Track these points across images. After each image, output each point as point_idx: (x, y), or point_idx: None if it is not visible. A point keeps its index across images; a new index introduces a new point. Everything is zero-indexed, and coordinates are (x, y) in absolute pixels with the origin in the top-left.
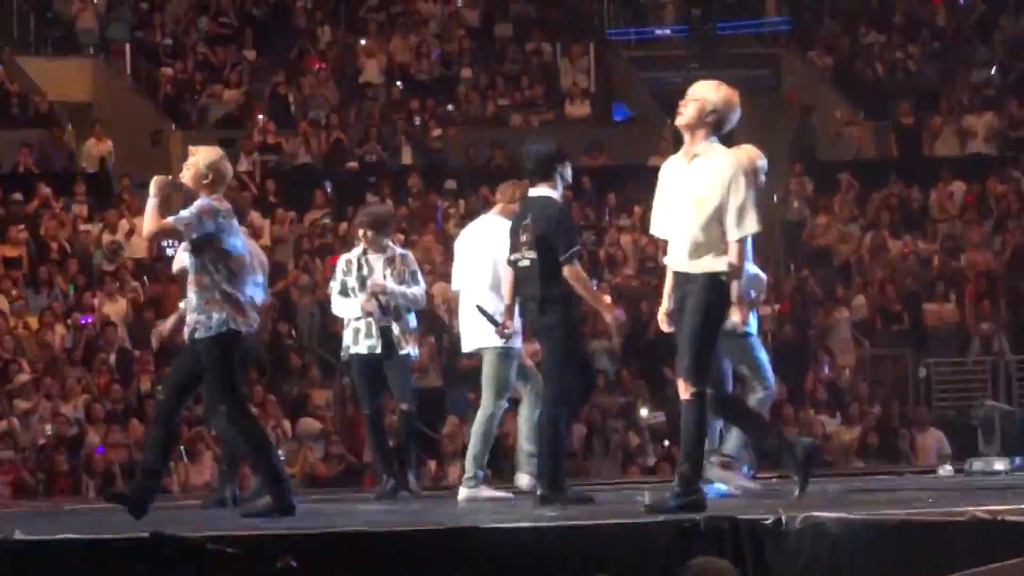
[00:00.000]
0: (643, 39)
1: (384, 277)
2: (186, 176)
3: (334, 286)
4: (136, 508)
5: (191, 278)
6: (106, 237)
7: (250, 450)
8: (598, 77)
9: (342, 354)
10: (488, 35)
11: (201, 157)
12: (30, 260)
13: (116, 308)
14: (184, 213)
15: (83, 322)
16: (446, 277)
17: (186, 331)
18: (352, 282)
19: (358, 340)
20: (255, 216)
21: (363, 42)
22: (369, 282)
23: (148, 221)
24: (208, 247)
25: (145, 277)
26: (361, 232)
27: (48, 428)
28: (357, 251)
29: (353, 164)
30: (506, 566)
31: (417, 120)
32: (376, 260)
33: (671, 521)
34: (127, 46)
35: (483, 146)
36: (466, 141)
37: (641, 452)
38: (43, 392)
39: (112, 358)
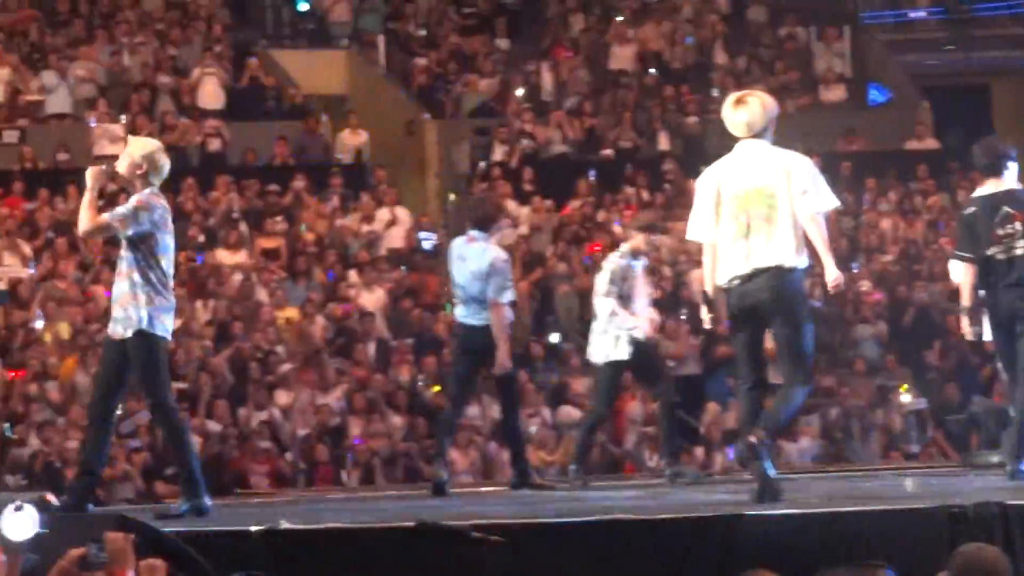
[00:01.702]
0: (898, 22)
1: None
2: (121, 166)
3: (612, 290)
4: (79, 507)
5: (121, 271)
6: (363, 227)
7: (175, 447)
8: (853, 61)
9: (596, 358)
10: (741, 20)
11: (136, 148)
12: (288, 251)
13: (374, 298)
14: (120, 209)
15: (342, 313)
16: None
17: (111, 327)
18: (626, 289)
19: (619, 346)
20: (511, 204)
21: (615, 29)
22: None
23: (84, 217)
24: (142, 244)
25: (403, 267)
26: (644, 236)
27: (310, 418)
28: (627, 257)
29: (609, 151)
30: (771, 553)
31: (672, 107)
32: (638, 267)
33: (940, 507)
34: (380, 37)
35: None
36: (722, 127)
37: (903, 438)
38: (304, 383)
39: (371, 348)
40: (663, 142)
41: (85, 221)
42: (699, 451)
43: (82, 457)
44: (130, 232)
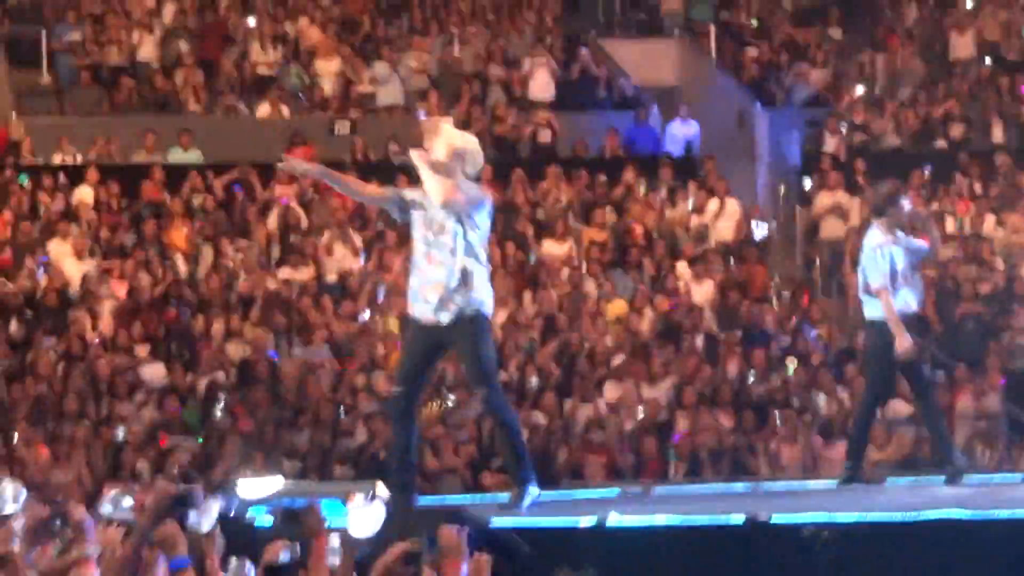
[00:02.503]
0: None
1: None
2: (440, 152)
3: None
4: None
5: (441, 257)
6: (693, 220)
7: (508, 434)
8: None
9: None
10: None
11: (456, 137)
12: (617, 244)
13: (702, 291)
14: (473, 191)
15: (671, 306)
16: None
17: (423, 311)
18: None
19: None
20: (842, 197)
21: (954, 18)
22: None
23: (441, 188)
24: (479, 228)
25: (732, 259)
26: None
27: (640, 411)
28: None
29: (942, 143)
30: None
31: (1007, 98)
32: None
33: None
34: (712, 27)
35: None
36: None
37: None
38: (631, 376)
39: (699, 341)
40: (997, 134)
41: (442, 191)
42: None
43: (395, 453)
44: (477, 212)
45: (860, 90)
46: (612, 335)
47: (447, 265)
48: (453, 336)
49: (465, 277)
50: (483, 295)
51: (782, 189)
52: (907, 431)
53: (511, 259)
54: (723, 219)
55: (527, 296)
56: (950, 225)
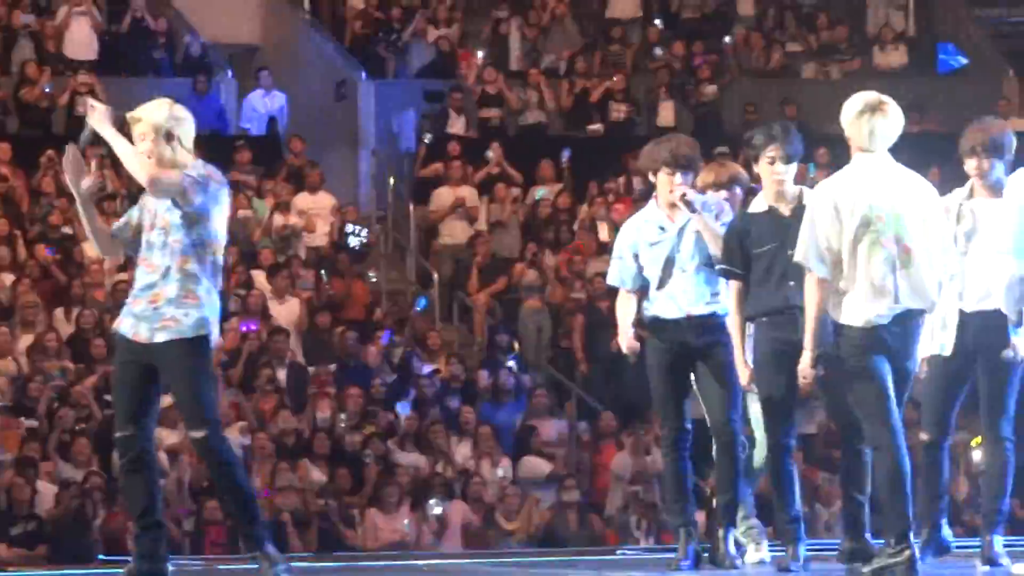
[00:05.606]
0: None
1: None
2: (143, 149)
3: None
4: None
5: (158, 260)
6: (276, 220)
7: (227, 489)
8: (918, 16)
9: None
10: None
11: (151, 113)
12: None
13: (287, 311)
14: (191, 171)
15: (244, 329)
16: None
17: (134, 328)
18: None
19: None
20: (468, 192)
21: None
22: None
23: (140, 164)
24: (200, 224)
25: (324, 271)
26: None
27: (197, 464)
28: None
29: (596, 126)
30: None
31: (681, 69)
32: None
33: None
34: None
35: (767, 104)
36: (744, 97)
37: None
38: None
39: (281, 376)
40: (666, 115)
41: (144, 168)
42: None
43: (134, 511)
44: (197, 202)
45: (492, 55)
46: None
47: (161, 268)
48: (165, 361)
49: (184, 285)
50: (208, 312)
51: (391, 181)
52: (544, 496)
53: (36, 264)
54: (314, 219)
55: (58, 313)
56: (604, 233)
